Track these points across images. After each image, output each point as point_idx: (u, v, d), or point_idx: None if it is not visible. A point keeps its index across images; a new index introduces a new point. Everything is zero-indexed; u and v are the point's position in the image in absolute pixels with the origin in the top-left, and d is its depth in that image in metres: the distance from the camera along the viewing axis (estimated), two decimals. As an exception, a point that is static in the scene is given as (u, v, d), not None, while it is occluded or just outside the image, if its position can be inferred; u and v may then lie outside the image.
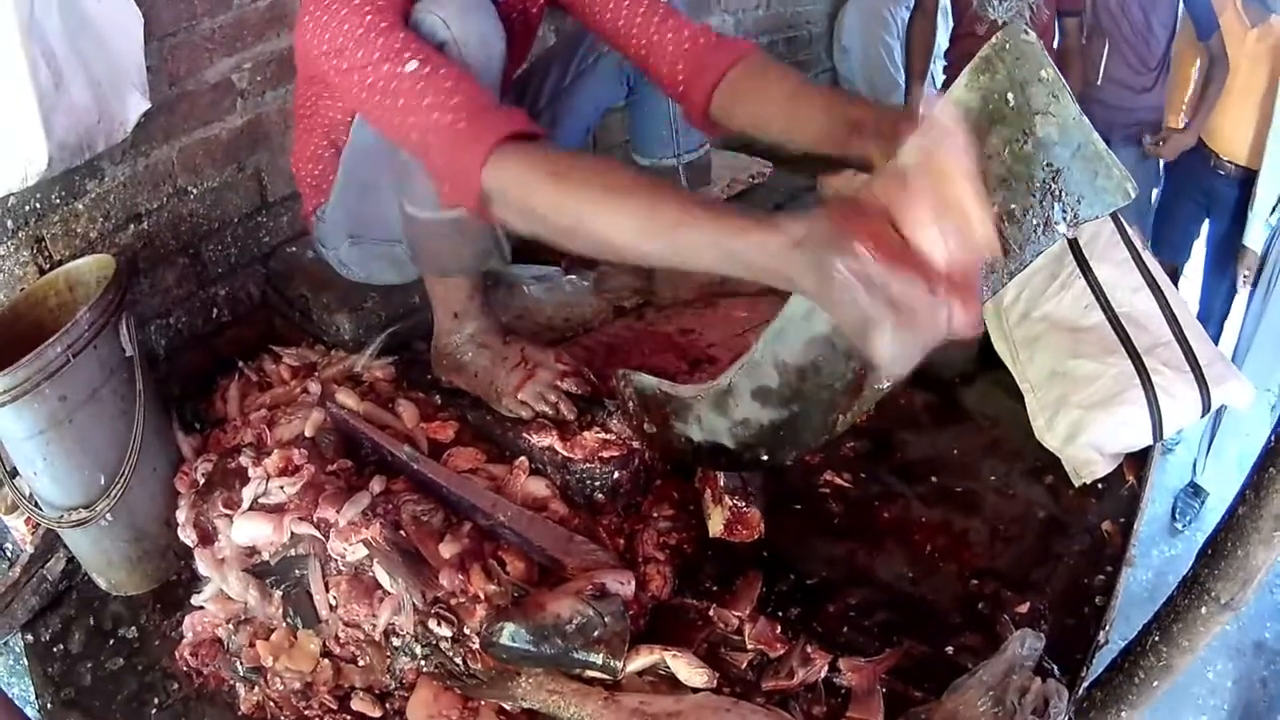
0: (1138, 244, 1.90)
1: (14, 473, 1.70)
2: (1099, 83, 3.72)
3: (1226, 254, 4.07)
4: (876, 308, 0.96)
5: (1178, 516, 3.95)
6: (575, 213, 1.26)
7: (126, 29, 1.76)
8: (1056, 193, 1.13)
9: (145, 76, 1.82)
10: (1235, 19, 3.69)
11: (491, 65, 1.59)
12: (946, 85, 3.59)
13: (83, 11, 1.67)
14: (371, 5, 1.46)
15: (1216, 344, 1.87)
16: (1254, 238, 3.75)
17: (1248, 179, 3.85)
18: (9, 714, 1.54)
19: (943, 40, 3.96)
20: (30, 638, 1.76)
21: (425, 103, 1.39)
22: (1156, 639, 1.30)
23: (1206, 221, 4.10)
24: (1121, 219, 1.90)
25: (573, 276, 2.25)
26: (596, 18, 1.77)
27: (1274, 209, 3.59)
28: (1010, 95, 1.10)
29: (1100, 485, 1.75)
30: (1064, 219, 1.14)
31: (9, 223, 1.74)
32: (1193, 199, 4.02)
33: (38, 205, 1.76)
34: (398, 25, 1.46)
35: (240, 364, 2.03)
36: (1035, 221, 1.15)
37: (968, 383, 2.04)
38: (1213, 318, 4.05)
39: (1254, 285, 3.77)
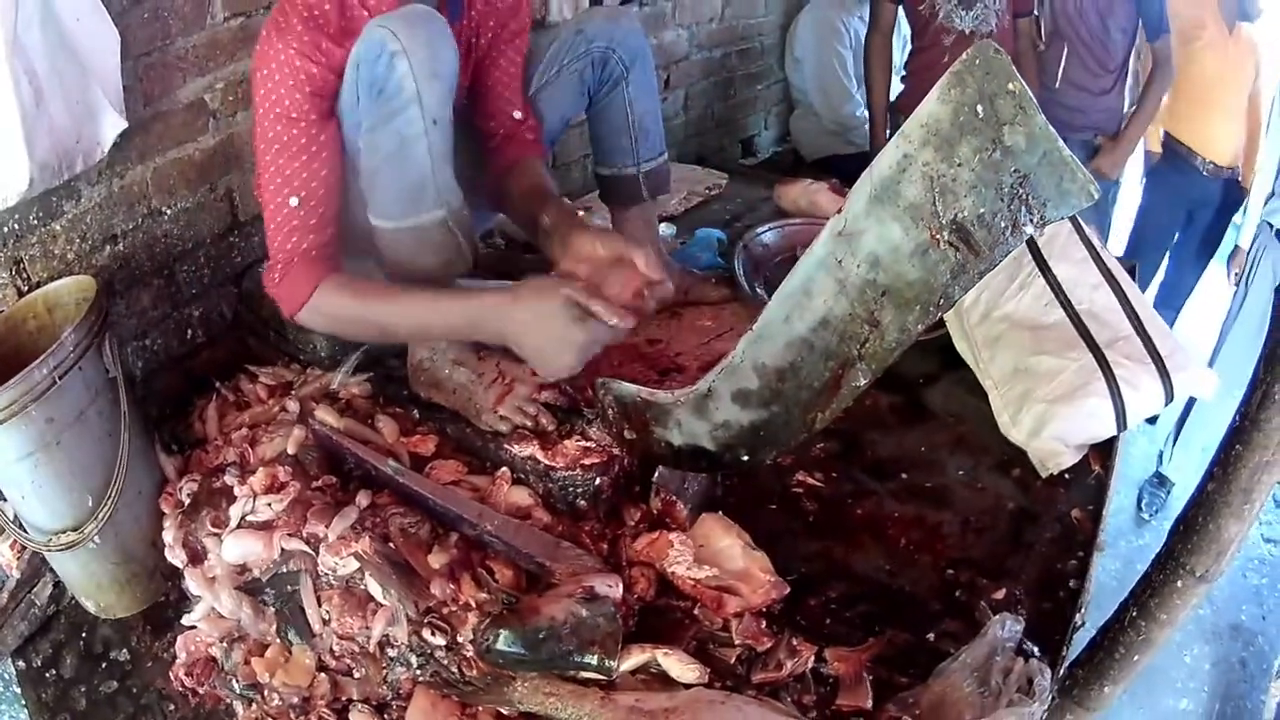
0: (1095, 242, 1.96)
1: (-1, 496, 1.71)
2: (1057, 85, 3.80)
3: (1197, 252, 4.22)
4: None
5: (1144, 507, 4.03)
6: (377, 330, 1.84)
7: (104, 47, 1.76)
8: (1024, 197, 1.17)
9: (121, 96, 1.81)
10: (1215, 25, 3.83)
11: (440, 76, 1.66)
12: (904, 96, 3.68)
13: (62, 30, 1.67)
14: (295, 106, 1.67)
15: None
16: (1246, 238, 3.87)
17: (1228, 179, 4.01)
18: None
19: (895, 54, 4.03)
20: (22, 664, 1.75)
21: (289, 238, 1.75)
22: (1135, 614, 1.35)
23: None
24: (1079, 219, 1.96)
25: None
26: (482, 75, 2.01)
27: (1267, 201, 3.69)
28: (980, 107, 1.14)
29: (1067, 475, 1.80)
30: (1031, 221, 1.18)
31: (-12, 245, 1.74)
32: (1178, 204, 4.16)
33: (16, 226, 1.76)
34: (303, 142, 1.70)
35: (217, 384, 2.04)
36: (1003, 224, 1.19)
37: (931, 384, 2.09)
38: (1168, 310, 4.17)
39: (1238, 284, 3.88)
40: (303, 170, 1.71)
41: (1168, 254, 4.36)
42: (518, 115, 2.02)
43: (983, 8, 3.47)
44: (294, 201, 1.72)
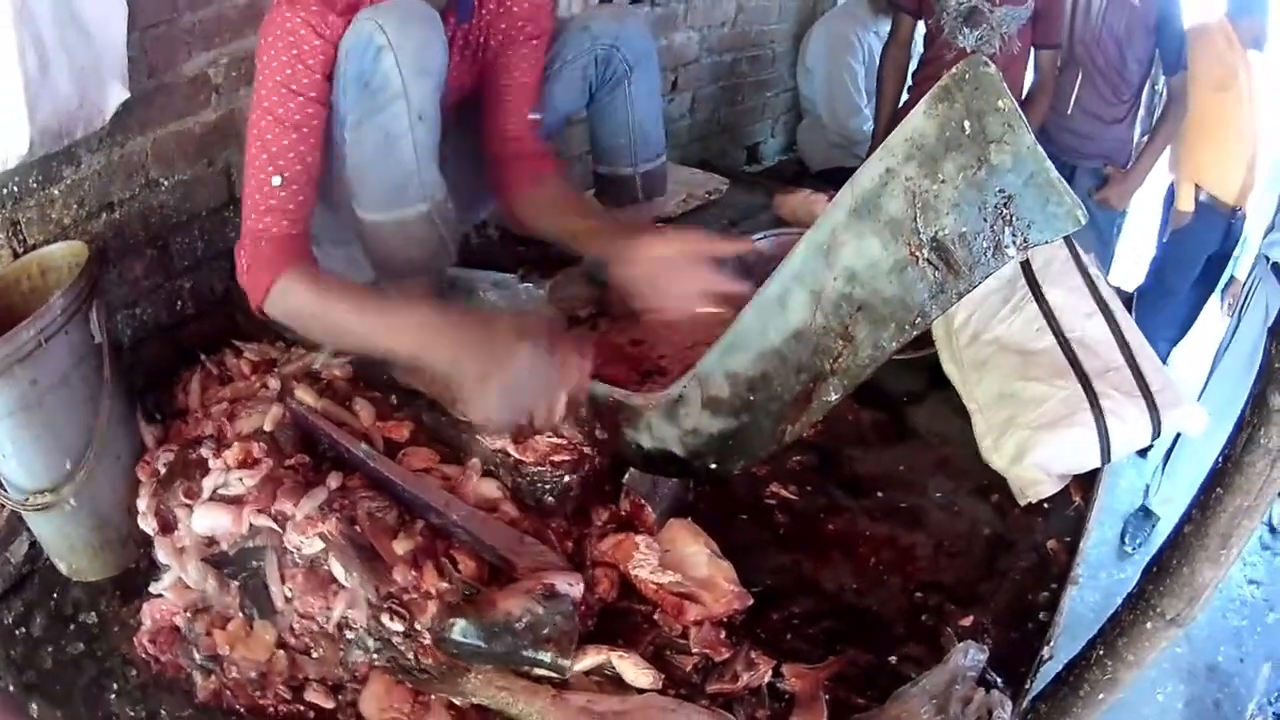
0: (1092, 271, 1.94)
1: (-22, 455, 1.71)
2: (1070, 111, 3.78)
3: (1203, 285, 4.19)
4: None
5: (1128, 540, 4.00)
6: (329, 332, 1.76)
7: (112, 18, 1.78)
8: (1007, 218, 1.16)
9: (126, 66, 1.83)
10: (1245, 71, 3.82)
11: (429, 72, 1.67)
12: (905, 106, 3.67)
13: (71, -1, 1.69)
14: (295, 78, 1.65)
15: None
16: (1242, 270, 3.85)
17: (1230, 213, 3.99)
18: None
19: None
20: (-7, 620, 1.76)
21: (263, 217, 1.70)
22: (1101, 653, 1.33)
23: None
24: (1075, 245, 1.94)
25: (529, 284, 2.26)
26: (494, 78, 1.99)
27: (1266, 234, 3.67)
28: (966, 123, 1.13)
29: (1046, 505, 1.78)
30: (1014, 243, 1.17)
31: (-15, 206, 1.75)
32: (1202, 252, 4.14)
33: (15, 189, 1.77)
34: (297, 118, 1.68)
35: (202, 357, 2.04)
36: (985, 245, 1.18)
37: (916, 403, 2.07)
38: (1164, 342, 4.15)
39: (1232, 315, 3.86)
40: (290, 149, 1.68)
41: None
42: (533, 116, 2.01)
43: (988, 29, 3.45)
44: (276, 180, 1.68)
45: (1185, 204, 4.07)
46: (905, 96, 3.84)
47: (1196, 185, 4.01)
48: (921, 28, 3.73)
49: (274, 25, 1.65)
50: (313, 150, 1.71)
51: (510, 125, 2.01)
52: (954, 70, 1.15)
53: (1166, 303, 4.17)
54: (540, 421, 1.59)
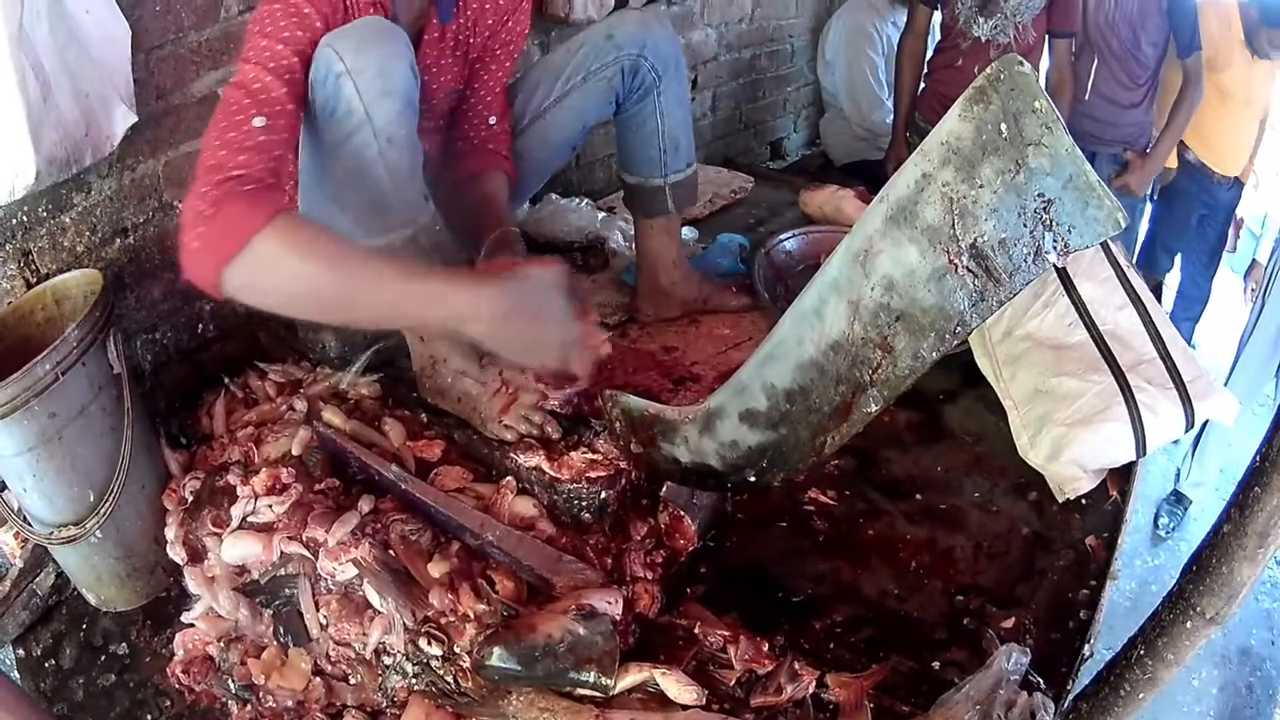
0: (1122, 261, 1.91)
1: (1, 487, 1.70)
2: (1087, 97, 3.76)
3: (1209, 257, 4.17)
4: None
5: (1161, 525, 3.99)
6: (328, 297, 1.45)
7: (114, 41, 1.76)
8: (1047, 222, 1.13)
9: (132, 89, 1.81)
10: (1241, 53, 3.81)
11: (392, 93, 1.60)
12: (925, 95, 3.64)
13: (71, 23, 1.67)
14: (282, 37, 1.54)
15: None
16: (1264, 252, 3.85)
17: (1226, 182, 4.00)
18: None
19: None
20: (21, 652, 1.76)
21: (237, 155, 1.43)
22: (1142, 652, 1.31)
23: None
24: (1105, 237, 1.92)
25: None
26: (478, 76, 1.96)
27: None
28: (1003, 126, 1.11)
29: (1084, 500, 1.76)
30: (1054, 248, 1.14)
31: (-4, 236, 1.73)
32: (1190, 212, 4.11)
33: (24, 219, 1.75)
34: (280, 68, 1.53)
35: (226, 380, 2.03)
36: (1025, 251, 1.15)
37: (951, 401, 2.05)
38: (1186, 322, 4.14)
39: (1255, 299, 3.84)
40: (276, 100, 1.49)
41: (1180, 267, 4.33)
42: (492, 121, 1.97)
43: (1001, 19, 3.40)
44: (259, 121, 1.46)
45: (1169, 160, 4.08)
46: (923, 85, 3.82)
47: (1180, 142, 4.00)
48: (938, 17, 3.69)
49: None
50: (297, 109, 1.55)
51: (471, 127, 1.99)
52: (989, 71, 1.12)
53: (1164, 263, 4.16)
54: (566, 362, 1.60)
